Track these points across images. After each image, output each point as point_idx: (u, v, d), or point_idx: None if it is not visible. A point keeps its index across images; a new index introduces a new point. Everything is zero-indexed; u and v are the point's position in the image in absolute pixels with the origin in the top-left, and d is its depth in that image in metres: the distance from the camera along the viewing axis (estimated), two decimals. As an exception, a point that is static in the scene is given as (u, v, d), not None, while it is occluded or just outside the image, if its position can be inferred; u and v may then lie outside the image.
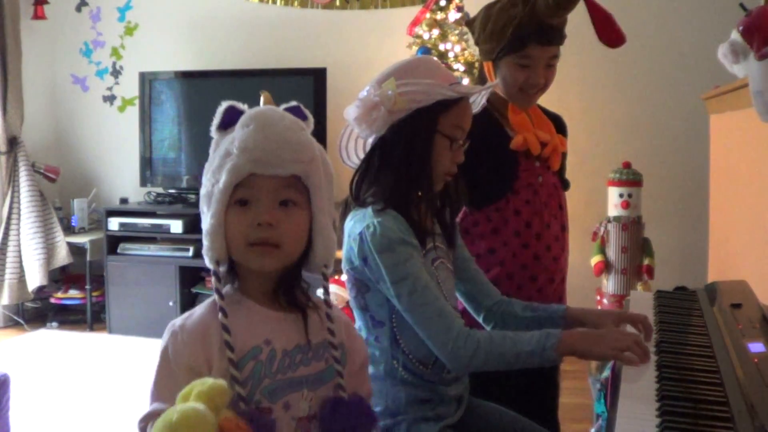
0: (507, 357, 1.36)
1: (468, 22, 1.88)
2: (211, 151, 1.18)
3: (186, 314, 1.14)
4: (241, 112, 1.15)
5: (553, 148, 1.81)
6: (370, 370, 1.48)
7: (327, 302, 1.18)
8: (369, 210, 1.44)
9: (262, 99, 1.20)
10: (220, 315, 1.09)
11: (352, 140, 1.57)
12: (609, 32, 1.79)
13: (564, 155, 1.90)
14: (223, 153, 1.13)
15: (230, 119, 1.15)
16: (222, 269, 1.14)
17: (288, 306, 1.16)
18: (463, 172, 1.64)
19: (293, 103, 1.20)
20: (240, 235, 1.11)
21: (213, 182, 1.13)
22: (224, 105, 1.16)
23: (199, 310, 1.14)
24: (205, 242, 1.13)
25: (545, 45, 1.72)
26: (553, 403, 1.90)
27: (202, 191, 1.16)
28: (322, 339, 1.16)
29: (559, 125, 1.91)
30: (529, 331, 1.37)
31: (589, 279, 3.66)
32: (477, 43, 1.84)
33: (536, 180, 1.80)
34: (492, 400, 1.63)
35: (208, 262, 1.14)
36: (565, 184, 1.92)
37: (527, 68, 1.73)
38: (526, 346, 1.34)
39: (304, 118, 1.21)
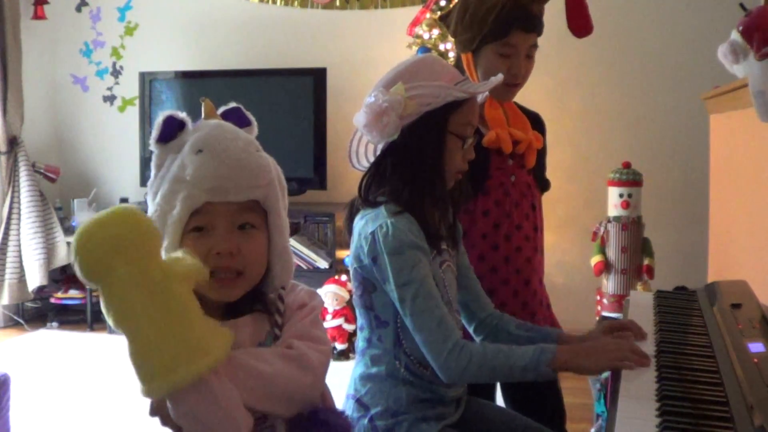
0: (499, 371, 1.36)
1: (442, 17, 1.86)
2: (153, 165, 1.11)
3: None
4: (181, 122, 1.08)
5: (527, 144, 1.76)
6: (372, 369, 1.48)
7: (280, 297, 1.12)
8: (383, 210, 1.43)
9: (203, 107, 1.13)
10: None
11: (362, 145, 1.55)
12: (579, 20, 1.78)
13: (541, 153, 1.84)
14: (173, 178, 1.06)
15: (171, 131, 1.08)
16: None
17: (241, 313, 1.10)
18: None
19: (232, 105, 1.14)
20: None
21: (166, 209, 1.06)
22: (162, 116, 1.08)
23: None
24: None
25: (528, 32, 1.69)
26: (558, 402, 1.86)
27: (153, 213, 1.08)
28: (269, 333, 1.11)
29: (535, 122, 1.86)
30: (524, 346, 1.37)
31: (589, 279, 3.67)
32: (454, 35, 1.80)
33: (508, 179, 1.74)
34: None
35: None
36: (544, 184, 1.86)
37: (508, 58, 1.70)
38: (519, 361, 1.34)
39: (247, 122, 1.15)
